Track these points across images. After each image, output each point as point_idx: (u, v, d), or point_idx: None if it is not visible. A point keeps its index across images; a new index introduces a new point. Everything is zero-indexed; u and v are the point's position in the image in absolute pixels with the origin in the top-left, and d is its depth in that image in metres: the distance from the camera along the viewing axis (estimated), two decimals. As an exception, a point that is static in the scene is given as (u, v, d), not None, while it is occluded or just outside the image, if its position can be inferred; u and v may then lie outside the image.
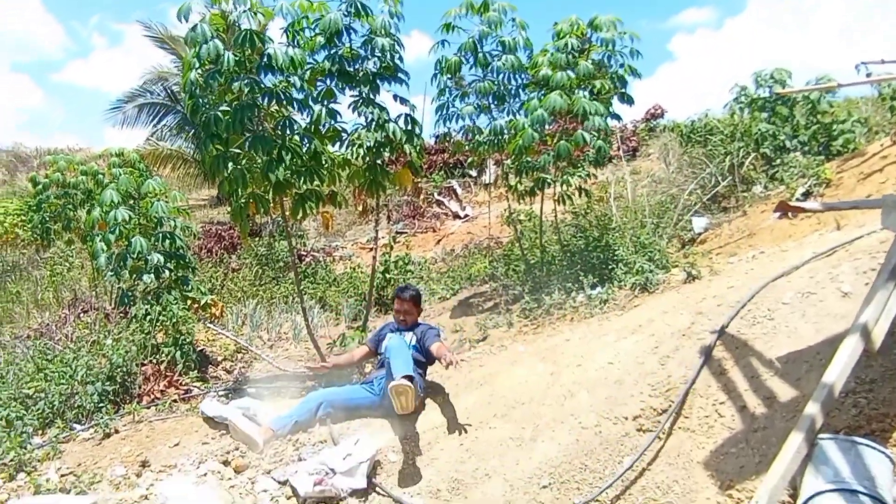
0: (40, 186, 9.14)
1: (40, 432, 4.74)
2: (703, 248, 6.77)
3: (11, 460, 4.08)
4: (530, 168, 6.75)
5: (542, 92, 6.23)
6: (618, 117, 6.46)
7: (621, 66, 6.19)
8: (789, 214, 6.29)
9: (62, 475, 4.02)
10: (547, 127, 6.51)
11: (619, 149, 10.46)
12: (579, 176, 6.61)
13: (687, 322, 4.57)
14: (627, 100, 6.31)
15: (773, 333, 4.09)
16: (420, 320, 5.08)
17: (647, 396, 4.05)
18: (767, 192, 7.46)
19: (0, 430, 4.43)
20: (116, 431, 4.63)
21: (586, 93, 6.08)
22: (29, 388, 5.02)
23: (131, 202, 6.19)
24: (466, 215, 14.03)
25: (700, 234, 7.20)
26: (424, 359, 4.82)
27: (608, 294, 5.93)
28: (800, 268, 4.74)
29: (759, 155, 7.82)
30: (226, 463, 4.07)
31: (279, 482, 3.89)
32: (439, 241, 12.97)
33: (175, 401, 5.15)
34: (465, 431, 4.30)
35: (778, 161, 7.76)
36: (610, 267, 6.34)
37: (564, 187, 6.78)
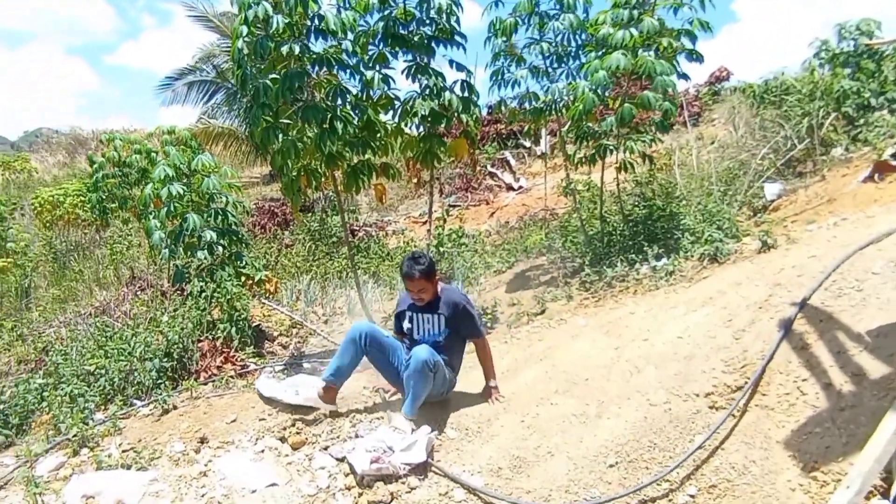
0: (96, 165, 9.32)
1: (102, 408, 4.79)
2: (777, 215, 6.36)
3: (75, 436, 4.10)
4: (591, 135, 6.44)
5: (603, 52, 5.89)
6: (686, 77, 6.05)
7: (690, 21, 5.78)
8: (875, 177, 5.82)
9: (123, 451, 4.03)
10: (608, 90, 6.20)
11: (683, 113, 9.98)
12: (643, 141, 6.25)
13: (763, 294, 4.27)
14: (697, 57, 5.88)
15: (861, 305, 3.77)
16: (441, 285, 4.45)
17: (720, 372, 3.80)
18: (849, 155, 6.94)
19: (64, 406, 4.50)
20: (175, 408, 4.64)
21: (651, 52, 5.71)
22: (90, 365, 5.08)
23: (183, 179, 6.18)
24: (520, 187, 13.73)
25: (773, 201, 6.77)
26: (454, 338, 4.41)
27: (674, 265, 5.63)
28: (891, 235, 4.36)
29: (840, 115, 7.27)
30: (283, 439, 4.01)
31: (337, 459, 3.81)
32: (493, 213, 12.75)
33: (231, 377, 5.14)
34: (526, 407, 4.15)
35: (861, 121, 7.18)
36: (675, 237, 6.02)
37: (627, 154, 6.44)
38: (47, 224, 12.46)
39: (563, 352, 4.72)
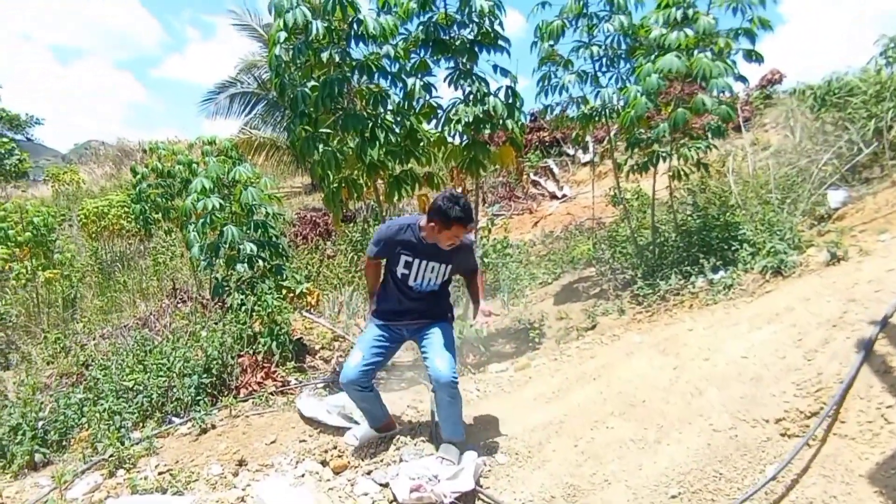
0: (139, 176, 9.39)
1: (140, 425, 4.74)
2: (843, 224, 5.96)
3: (111, 456, 4.06)
4: (643, 141, 6.16)
5: (656, 54, 5.62)
6: (744, 80, 5.72)
7: (749, 19, 5.46)
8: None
9: (160, 473, 3.96)
10: (661, 92, 5.92)
11: (738, 117, 9.56)
12: (698, 148, 5.94)
13: (837, 311, 3.95)
14: (756, 58, 5.54)
15: (952, 325, 3.45)
16: None
17: (792, 396, 3.50)
18: (923, 159, 6.50)
19: (103, 423, 4.44)
20: (213, 426, 4.56)
21: (708, 53, 5.41)
22: (129, 381, 5.04)
23: (224, 191, 6.13)
24: (564, 195, 13.47)
25: (837, 209, 6.37)
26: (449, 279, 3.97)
27: (732, 278, 5.31)
28: (980, 245, 4.01)
29: (912, 116, 6.82)
30: (324, 463, 3.86)
31: (380, 484, 3.64)
32: (536, 222, 12.51)
33: (272, 393, 5.02)
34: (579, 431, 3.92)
35: (934, 122, 6.73)
36: (733, 248, 5.69)
37: (681, 161, 6.14)
38: (93, 235, 12.65)
39: (618, 371, 4.47)
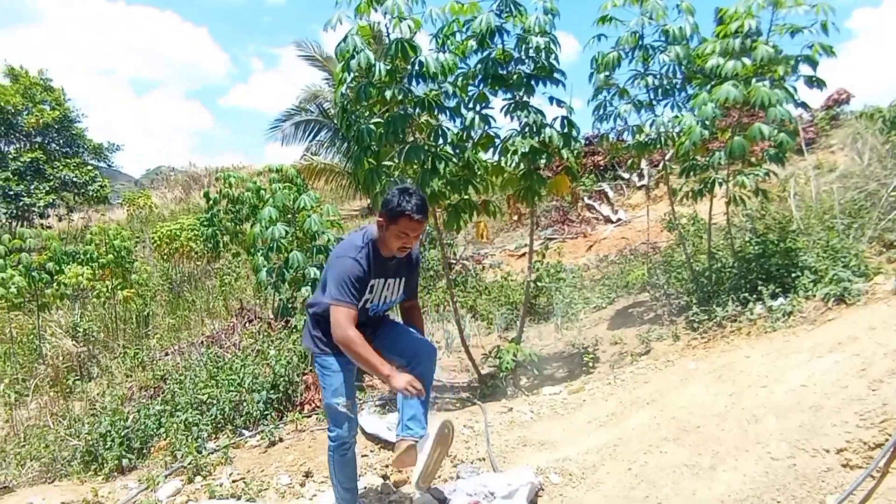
0: (212, 202, 9.83)
1: (213, 437, 5.02)
2: (914, 251, 5.82)
3: (190, 464, 4.33)
4: (698, 168, 6.18)
5: (713, 84, 5.65)
6: (805, 106, 5.69)
7: (809, 46, 5.44)
8: None
9: (233, 481, 4.20)
10: (718, 121, 5.93)
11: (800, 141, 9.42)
12: (756, 175, 5.92)
13: (904, 341, 3.89)
14: (818, 84, 5.51)
15: None
16: None
17: (854, 427, 3.46)
18: None
19: (180, 434, 4.73)
20: (281, 440, 4.80)
21: (766, 81, 5.41)
22: (203, 395, 5.34)
23: (288, 217, 6.45)
24: (619, 219, 13.43)
25: (908, 235, 6.20)
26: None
27: (793, 305, 5.25)
28: None
29: None
30: (385, 477, 4.03)
31: (438, 500, 3.76)
32: (590, 246, 12.53)
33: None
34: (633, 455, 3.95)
35: None
36: (793, 275, 5.62)
37: (738, 189, 6.12)
38: (164, 256, 13.33)
39: (673, 396, 4.47)
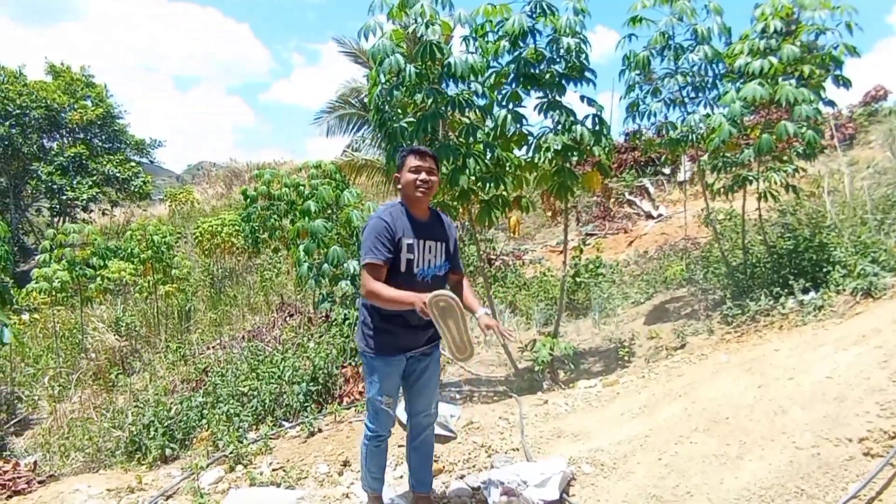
0: (249, 199, 10.07)
1: (254, 427, 5.22)
2: (946, 247, 5.83)
3: (231, 453, 4.54)
4: (728, 165, 6.28)
5: (742, 82, 5.75)
6: (832, 104, 5.76)
7: (835, 46, 5.51)
8: None
9: (273, 469, 4.38)
10: (747, 118, 6.02)
11: (832, 137, 9.35)
12: (785, 171, 5.99)
13: (926, 333, 3.99)
14: (844, 83, 5.59)
15: None
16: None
17: (876, 417, 3.58)
18: None
19: (221, 424, 4.97)
20: (319, 430, 4.99)
21: (793, 80, 5.50)
22: (244, 387, 5.55)
23: (328, 212, 6.68)
24: (660, 215, 13.40)
25: (940, 231, 6.21)
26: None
27: (824, 300, 5.34)
28: None
29: None
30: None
31: (472, 488, 3.95)
32: (631, 242, 12.52)
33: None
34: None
35: None
36: (825, 270, 5.70)
37: (767, 184, 6.20)
38: (206, 252, 13.59)
39: (704, 389, 4.61)
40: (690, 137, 6.46)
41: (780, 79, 5.57)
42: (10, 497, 4.35)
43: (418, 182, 3.19)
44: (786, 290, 5.70)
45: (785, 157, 6.17)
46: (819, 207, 7.31)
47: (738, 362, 4.86)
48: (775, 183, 6.05)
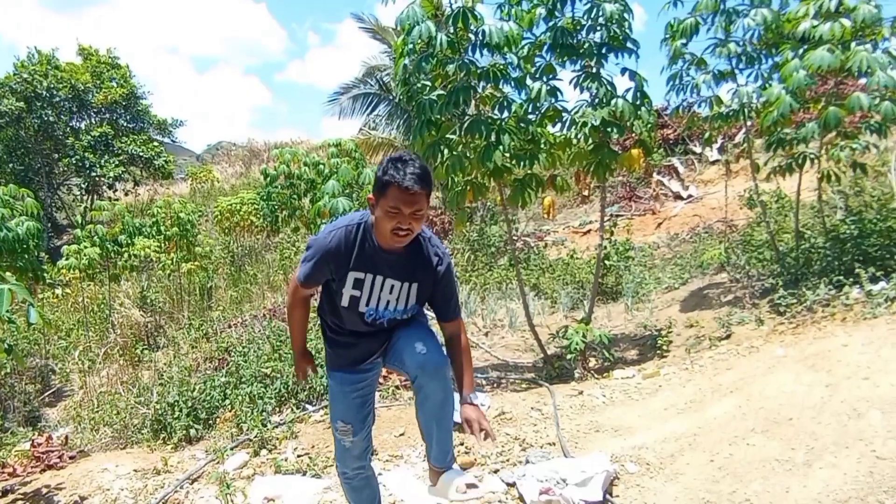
0: (269, 178, 9.88)
1: (277, 410, 5.04)
2: None
3: (256, 436, 4.37)
4: (786, 142, 5.75)
5: (805, 49, 5.21)
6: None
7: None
8: None
9: (298, 456, 4.20)
10: (807, 90, 5.49)
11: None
12: (853, 148, 5.46)
13: None
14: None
15: None
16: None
17: (972, 425, 3.15)
18: None
19: (245, 406, 4.76)
20: (342, 415, 4.73)
21: (868, 45, 4.95)
22: (266, 368, 5.35)
23: (348, 191, 6.39)
24: (690, 196, 12.89)
25: None
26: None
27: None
28: None
29: None
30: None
31: (507, 483, 3.64)
32: (660, 224, 12.07)
33: (397, 387, 5.17)
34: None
35: None
36: (896, 257, 5.19)
37: (832, 163, 5.66)
38: (226, 230, 13.58)
39: (759, 385, 4.20)
40: (742, 112, 5.93)
41: (853, 43, 5.00)
42: (43, 471, 4.39)
43: (395, 229, 2.31)
44: (850, 279, 5.17)
45: (853, 133, 5.61)
46: (883, 188, 6.75)
47: (797, 357, 4.42)
48: (841, 161, 5.50)
